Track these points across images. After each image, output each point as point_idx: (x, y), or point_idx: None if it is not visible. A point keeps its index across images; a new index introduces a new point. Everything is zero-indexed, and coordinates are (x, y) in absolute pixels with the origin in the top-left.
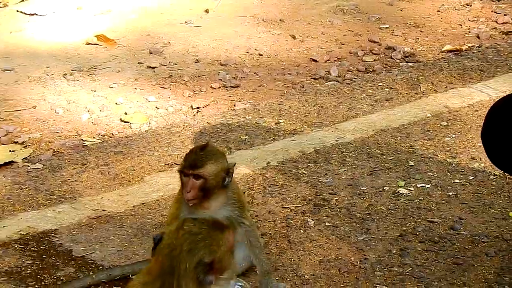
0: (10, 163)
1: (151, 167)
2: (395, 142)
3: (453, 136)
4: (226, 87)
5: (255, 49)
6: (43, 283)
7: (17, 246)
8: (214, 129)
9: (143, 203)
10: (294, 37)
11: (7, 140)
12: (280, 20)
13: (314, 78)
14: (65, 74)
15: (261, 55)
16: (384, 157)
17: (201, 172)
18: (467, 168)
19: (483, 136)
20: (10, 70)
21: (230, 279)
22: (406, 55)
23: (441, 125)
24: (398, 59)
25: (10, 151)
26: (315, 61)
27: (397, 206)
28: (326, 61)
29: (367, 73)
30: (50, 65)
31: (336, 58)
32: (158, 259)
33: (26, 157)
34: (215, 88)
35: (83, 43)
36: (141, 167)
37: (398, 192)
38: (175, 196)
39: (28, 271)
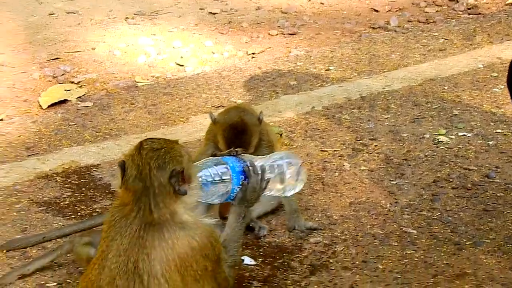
0: (64, 101)
1: (198, 108)
2: (442, 91)
3: (502, 87)
4: (284, 34)
5: None
6: (79, 214)
7: (59, 179)
8: (264, 74)
9: (185, 142)
10: None
11: (63, 80)
12: None
13: (373, 28)
14: (127, 17)
15: (322, 3)
16: (429, 105)
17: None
18: (511, 119)
19: (508, 83)
20: (74, 13)
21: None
22: (469, 7)
23: (491, 76)
24: (461, 11)
25: (65, 90)
26: (376, 11)
27: (435, 153)
28: (387, 11)
29: (427, 24)
30: (113, 8)
31: (397, 9)
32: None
33: (79, 96)
34: (272, 35)
35: None
36: (187, 108)
37: (438, 139)
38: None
39: (66, 202)
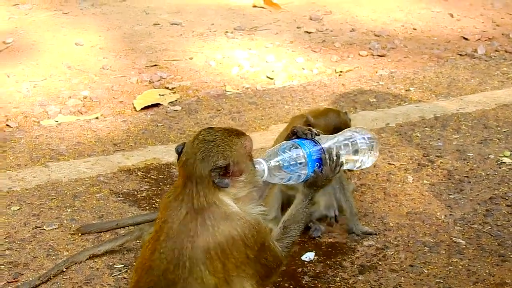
0: (157, 105)
1: (278, 118)
2: None
3: None
4: (373, 55)
5: (411, 24)
6: (153, 206)
7: (139, 173)
8: (346, 90)
9: (261, 148)
10: (451, 16)
11: (159, 85)
12: None
13: (460, 55)
14: (227, 31)
15: (415, 29)
16: (499, 129)
17: None
18: None
19: None
20: (178, 24)
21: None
22: None
23: None
24: None
25: (159, 95)
26: (466, 39)
27: (496, 173)
28: (476, 40)
29: None
30: (215, 22)
31: (487, 38)
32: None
33: (172, 101)
34: (362, 56)
35: (250, 5)
36: (269, 117)
37: (502, 160)
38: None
39: (143, 195)
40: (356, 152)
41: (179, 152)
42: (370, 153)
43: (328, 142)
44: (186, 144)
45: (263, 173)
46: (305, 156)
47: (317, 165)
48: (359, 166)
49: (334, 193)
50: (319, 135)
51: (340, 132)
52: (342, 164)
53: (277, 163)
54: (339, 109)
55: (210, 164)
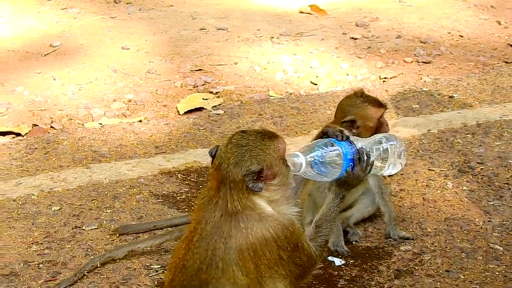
0: (200, 109)
1: (320, 123)
2: None
3: None
4: (419, 62)
5: (458, 31)
6: (192, 208)
7: (180, 176)
8: (389, 96)
9: None
10: (499, 23)
11: (203, 89)
12: (491, 6)
13: (506, 62)
14: (272, 37)
15: (461, 36)
16: None
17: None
18: None
19: None
20: (224, 30)
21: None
22: None
23: None
24: None
25: (203, 99)
26: None
27: None
28: None
29: None
30: (261, 28)
31: None
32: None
33: (215, 106)
34: (407, 62)
35: (296, 11)
36: (310, 122)
37: None
38: None
39: (183, 197)
40: (384, 158)
41: (212, 155)
42: (398, 160)
43: (359, 143)
44: (219, 147)
45: (301, 167)
46: (342, 155)
47: (350, 165)
48: (386, 172)
49: (373, 198)
50: (349, 137)
51: (371, 137)
52: (372, 164)
53: (314, 159)
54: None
55: (244, 169)
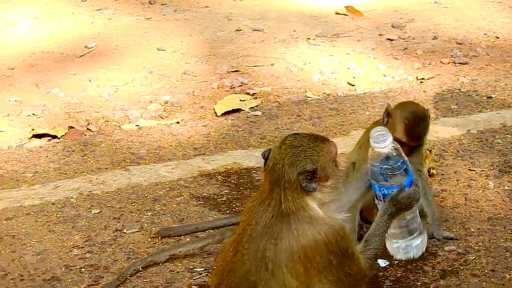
0: (238, 110)
1: (359, 124)
2: None
3: None
4: (455, 63)
5: (494, 32)
6: (233, 210)
7: (220, 177)
8: (428, 97)
9: (341, 153)
10: None
11: (240, 91)
12: None
13: None
14: (309, 38)
15: (498, 37)
16: None
17: (422, 142)
18: None
19: None
20: (260, 31)
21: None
22: None
23: None
24: None
25: (240, 100)
26: None
27: None
28: None
29: None
30: (297, 29)
31: None
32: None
33: (252, 107)
34: (444, 63)
35: (332, 12)
36: (349, 123)
37: None
38: (362, 141)
39: (224, 199)
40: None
41: (265, 158)
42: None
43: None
44: (272, 150)
45: (384, 145)
46: (408, 171)
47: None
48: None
49: None
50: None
51: None
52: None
53: (392, 153)
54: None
55: (298, 168)
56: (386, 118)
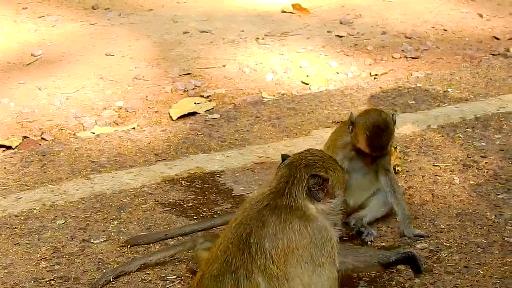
0: (193, 113)
1: (319, 123)
2: None
3: None
4: (407, 57)
5: (441, 25)
6: (201, 215)
7: (184, 183)
8: (384, 93)
9: None
10: (481, 16)
11: (194, 94)
12: None
13: (493, 54)
14: (258, 38)
15: (446, 30)
16: None
17: (386, 152)
18: None
19: None
20: (207, 32)
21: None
22: None
23: None
24: None
25: (195, 103)
26: (497, 39)
27: None
28: (508, 39)
29: None
30: (245, 29)
31: None
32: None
33: (208, 109)
34: (396, 58)
35: (278, 10)
36: (309, 123)
37: None
38: (330, 142)
39: (190, 204)
40: None
41: (284, 159)
42: None
43: None
44: (293, 155)
45: None
46: None
47: None
48: None
49: (386, 197)
50: None
51: None
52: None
53: None
54: (386, 111)
55: (313, 171)
56: (351, 127)
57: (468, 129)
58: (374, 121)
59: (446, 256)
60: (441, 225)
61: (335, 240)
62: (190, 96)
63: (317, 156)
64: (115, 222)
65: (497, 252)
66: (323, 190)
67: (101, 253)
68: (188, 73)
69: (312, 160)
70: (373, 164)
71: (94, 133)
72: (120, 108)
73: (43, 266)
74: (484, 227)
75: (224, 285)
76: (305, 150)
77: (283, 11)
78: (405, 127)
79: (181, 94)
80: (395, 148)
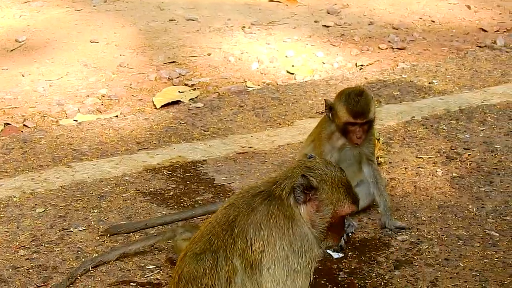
0: (177, 102)
1: (303, 113)
2: None
3: None
4: (393, 48)
5: (429, 16)
6: (182, 205)
7: (165, 172)
8: (369, 84)
9: (288, 144)
10: (469, 7)
11: (178, 82)
12: None
13: (479, 46)
14: (244, 27)
15: (433, 21)
16: None
17: (369, 118)
18: None
19: None
20: (194, 20)
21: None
22: None
23: None
24: None
25: (179, 91)
26: (485, 31)
27: None
28: (495, 31)
29: None
30: (231, 17)
31: (505, 30)
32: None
33: (192, 98)
34: (382, 49)
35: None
36: (293, 113)
37: None
38: (314, 135)
39: (171, 194)
40: None
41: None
42: None
43: None
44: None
45: None
46: None
47: None
48: None
49: (368, 189)
50: None
51: None
52: None
53: None
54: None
55: (306, 174)
56: (330, 113)
57: (452, 121)
58: (349, 91)
59: (426, 248)
60: (423, 217)
61: (316, 254)
62: (174, 85)
63: (317, 163)
64: (95, 211)
65: (478, 245)
66: (306, 195)
67: (80, 242)
68: (173, 61)
69: (314, 166)
70: (357, 153)
71: (76, 120)
72: (104, 96)
73: (22, 254)
74: (466, 220)
75: (204, 263)
76: (328, 161)
77: (270, 0)
78: (389, 118)
79: (165, 83)
80: (378, 139)
